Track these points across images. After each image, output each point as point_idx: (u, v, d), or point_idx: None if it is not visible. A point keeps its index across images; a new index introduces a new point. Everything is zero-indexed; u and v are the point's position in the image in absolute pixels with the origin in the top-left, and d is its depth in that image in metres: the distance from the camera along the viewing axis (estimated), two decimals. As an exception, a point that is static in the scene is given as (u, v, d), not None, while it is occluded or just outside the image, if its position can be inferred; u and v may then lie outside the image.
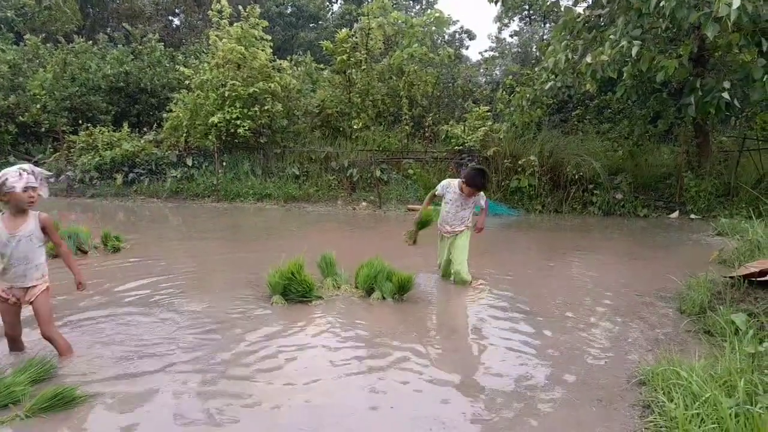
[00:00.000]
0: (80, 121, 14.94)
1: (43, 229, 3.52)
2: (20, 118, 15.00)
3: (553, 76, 10.26)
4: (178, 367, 3.49)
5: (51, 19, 24.18)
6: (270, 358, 3.63)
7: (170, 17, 29.73)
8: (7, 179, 3.36)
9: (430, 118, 14.47)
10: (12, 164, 12.40)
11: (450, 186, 5.50)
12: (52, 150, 14.82)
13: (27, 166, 3.46)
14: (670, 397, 2.83)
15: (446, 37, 23.89)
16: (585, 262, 6.85)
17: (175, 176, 12.79)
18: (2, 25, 19.55)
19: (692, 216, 10.54)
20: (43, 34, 19.45)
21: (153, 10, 25.75)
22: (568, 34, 9.70)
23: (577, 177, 11.20)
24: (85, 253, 6.82)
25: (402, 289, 4.91)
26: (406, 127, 14.00)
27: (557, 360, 3.60)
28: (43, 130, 15.16)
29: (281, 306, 4.73)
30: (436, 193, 5.61)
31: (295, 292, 4.82)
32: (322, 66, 17.14)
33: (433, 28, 15.22)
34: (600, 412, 2.92)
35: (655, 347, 3.80)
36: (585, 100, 14.17)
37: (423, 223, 5.73)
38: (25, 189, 3.37)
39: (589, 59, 8.55)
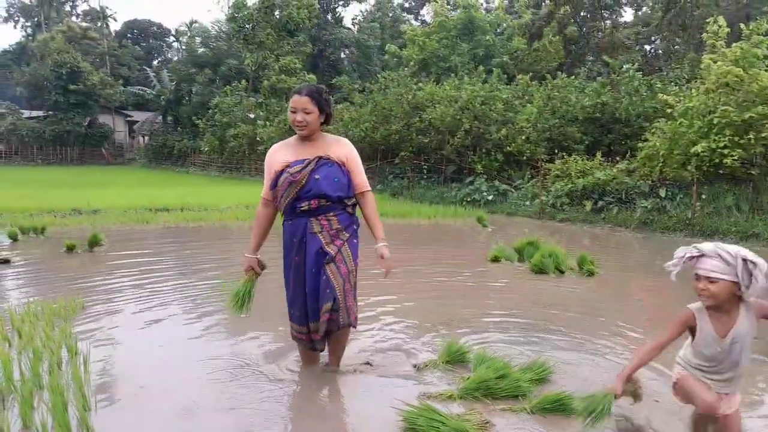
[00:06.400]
0: (555, 150, 16.16)
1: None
2: (507, 148, 17.23)
3: None
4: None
5: (537, 59, 27.18)
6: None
7: (646, 46, 29.38)
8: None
9: None
10: (496, 187, 14.27)
11: None
12: (529, 176, 16.49)
13: (726, 249, 2.41)
14: None
15: None
16: None
17: (645, 207, 12.42)
18: (499, 69, 22.92)
19: None
20: (531, 73, 21.99)
21: (633, 41, 25.87)
22: None
23: None
24: (563, 273, 7.24)
25: None
26: None
27: None
28: (524, 158, 17.03)
29: None
30: None
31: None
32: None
33: None
34: None
35: None
36: None
37: None
38: (697, 277, 2.46)
39: None
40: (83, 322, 4.79)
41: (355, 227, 3.47)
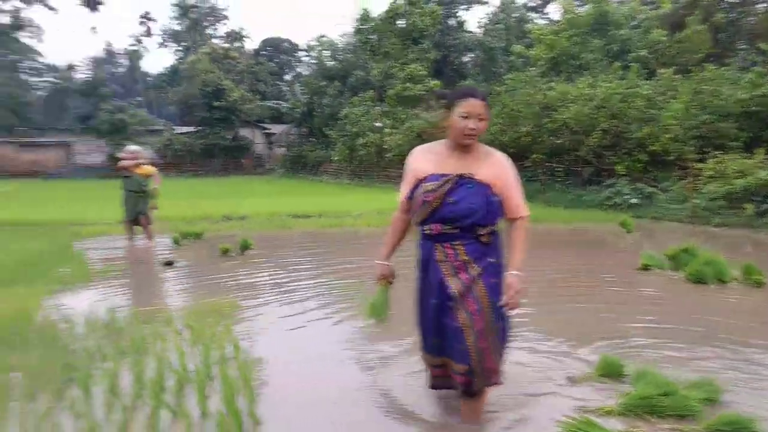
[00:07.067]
0: (707, 149, 14.81)
1: None
2: (651, 147, 16.06)
3: None
4: None
5: (681, 51, 25.08)
6: None
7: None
8: None
9: None
10: (640, 190, 13.26)
11: None
12: (677, 178, 15.22)
13: None
14: None
15: None
16: None
17: (822, 208, 11.00)
18: (637, 64, 21.43)
19: None
20: (674, 67, 20.33)
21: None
22: None
23: None
24: (725, 283, 6.59)
25: None
26: None
27: None
28: (670, 158, 15.77)
29: None
30: None
31: None
32: None
33: None
34: None
35: None
36: None
37: None
38: None
39: None
40: (241, 319, 5.17)
41: (489, 260, 2.90)
